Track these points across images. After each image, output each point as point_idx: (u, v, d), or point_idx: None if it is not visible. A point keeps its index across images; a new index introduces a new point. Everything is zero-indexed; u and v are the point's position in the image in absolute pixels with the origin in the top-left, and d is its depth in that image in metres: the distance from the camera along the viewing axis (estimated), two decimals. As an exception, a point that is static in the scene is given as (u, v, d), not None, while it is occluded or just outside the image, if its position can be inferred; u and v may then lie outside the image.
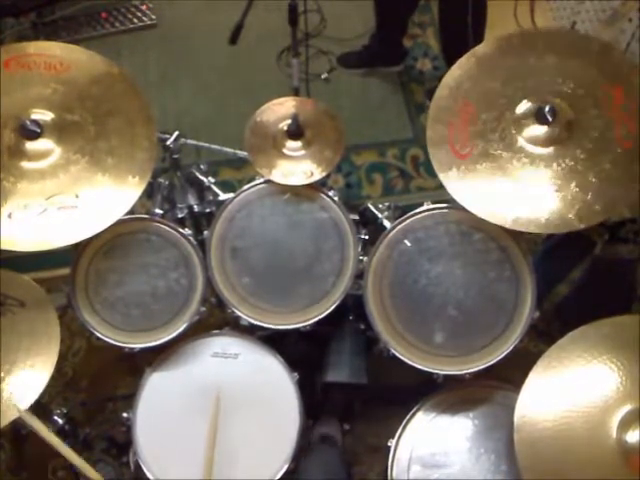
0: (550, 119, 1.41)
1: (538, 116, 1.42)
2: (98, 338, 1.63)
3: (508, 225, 1.41)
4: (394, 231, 1.62)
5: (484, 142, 1.45)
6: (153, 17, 3.03)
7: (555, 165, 1.41)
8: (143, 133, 1.51)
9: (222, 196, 1.87)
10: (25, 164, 1.45)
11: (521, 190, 1.41)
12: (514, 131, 1.45)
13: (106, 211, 1.45)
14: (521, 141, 1.44)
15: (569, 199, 1.39)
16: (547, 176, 1.41)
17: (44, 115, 1.48)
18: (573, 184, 1.39)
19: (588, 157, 1.40)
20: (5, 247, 1.39)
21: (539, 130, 1.43)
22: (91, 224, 1.44)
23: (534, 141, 1.43)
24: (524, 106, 1.45)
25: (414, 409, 1.56)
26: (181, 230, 1.67)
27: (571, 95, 1.45)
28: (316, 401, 1.72)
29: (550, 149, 1.42)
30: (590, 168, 1.40)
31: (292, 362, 1.65)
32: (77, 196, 1.44)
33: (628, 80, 1.45)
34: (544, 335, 1.83)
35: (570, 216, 1.38)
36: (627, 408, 1.23)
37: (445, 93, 1.52)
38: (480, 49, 1.55)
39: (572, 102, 1.45)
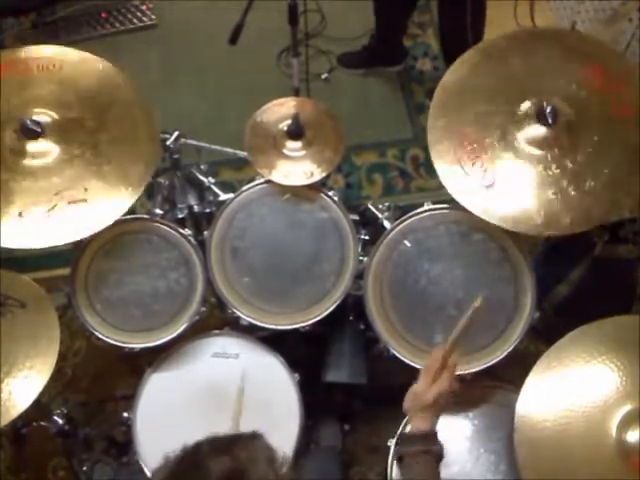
0: (551, 120, 1.40)
1: (539, 117, 1.42)
2: (98, 338, 1.64)
3: (509, 226, 1.41)
4: (394, 231, 1.62)
5: (485, 142, 1.45)
6: (153, 17, 3.03)
7: (555, 166, 1.41)
8: (143, 122, 1.52)
9: (222, 196, 1.87)
10: (29, 162, 1.46)
11: (521, 190, 1.41)
12: (515, 131, 1.44)
13: (115, 202, 1.45)
14: (522, 142, 1.43)
15: (569, 200, 1.38)
16: (547, 177, 1.41)
17: (43, 115, 1.48)
18: (573, 185, 1.39)
19: (589, 158, 1.40)
20: (19, 246, 1.40)
21: (540, 131, 1.42)
22: (101, 216, 1.45)
23: (535, 142, 1.43)
24: (525, 107, 1.45)
25: (414, 409, 1.56)
26: (181, 230, 1.67)
27: (569, 93, 1.45)
28: (316, 401, 1.72)
29: (551, 150, 1.42)
30: (591, 169, 1.40)
31: (292, 362, 1.65)
32: (85, 189, 1.44)
33: (598, 55, 1.48)
34: (544, 335, 1.82)
35: (571, 217, 1.38)
36: (627, 408, 1.23)
37: (445, 92, 1.52)
38: (481, 47, 1.55)
39: (572, 102, 1.44)
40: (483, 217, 1.42)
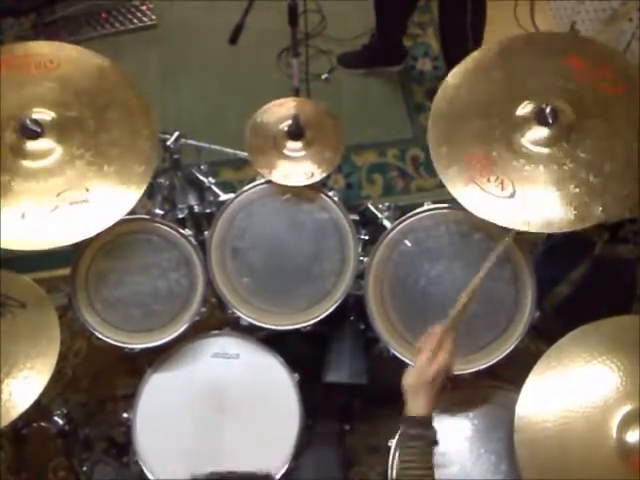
0: (552, 120, 1.40)
1: (540, 119, 1.41)
2: (98, 338, 1.63)
3: (542, 230, 1.39)
4: (394, 231, 1.62)
5: (492, 156, 1.44)
6: (153, 17, 3.03)
7: (556, 166, 1.40)
8: (142, 122, 1.52)
9: (222, 196, 1.87)
10: (30, 163, 1.45)
11: (522, 190, 1.41)
12: (519, 138, 1.43)
13: (117, 202, 1.45)
14: (522, 142, 1.43)
15: (570, 199, 1.38)
16: (548, 177, 1.40)
17: (43, 114, 1.48)
18: (574, 184, 1.38)
19: (589, 158, 1.40)
20: (21, 248, 1.40)
21: (543, 132, 1.42)
22: (103, 217, 1.44)
23: (541, 143, 1.42)
24: (525, 107, 1.44)
25: (414, 409, 1.56)
26: (181, 230, 1.67)
27: (560, 88, 1.45)
28: (316, 401, 1.72)
29: (551, 150, 1.42)
30: (591, 168, 1.39)
31: (292, 362, 1.65)
32: (87, 190, 1.44)
33: (578, 46, 1.50)
34: (544, 335, 1.83)
35: (571, 216, 1.37)
36: (627, 408, 1.23)
37: (446, 93, 1.52)
38: (480, 51, 1.55)
39: (566, 95, 1.44)
40: (517, 228, 1.40)
